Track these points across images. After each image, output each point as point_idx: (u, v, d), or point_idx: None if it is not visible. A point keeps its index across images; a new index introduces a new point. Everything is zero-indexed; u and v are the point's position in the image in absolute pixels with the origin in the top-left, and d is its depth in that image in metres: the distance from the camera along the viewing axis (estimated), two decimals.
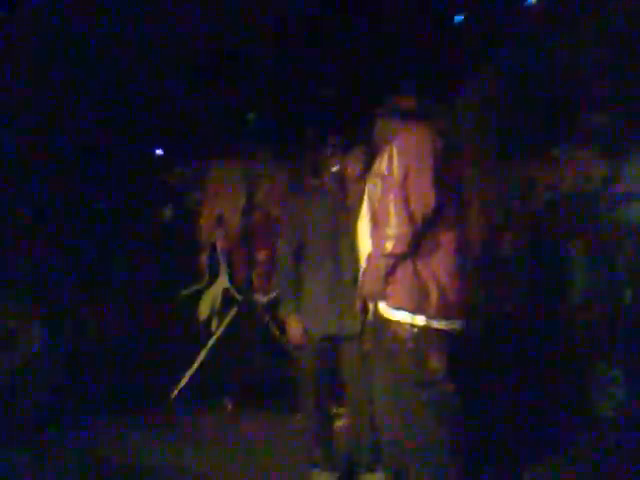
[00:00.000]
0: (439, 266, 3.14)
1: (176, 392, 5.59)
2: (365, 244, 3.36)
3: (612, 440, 4.17)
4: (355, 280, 3.50)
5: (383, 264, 3.14)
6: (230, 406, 5.51)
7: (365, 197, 3.42)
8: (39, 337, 5.29)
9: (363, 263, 3.35)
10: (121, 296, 6.25)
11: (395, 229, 3.10)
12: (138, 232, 6.48)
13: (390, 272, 3.13)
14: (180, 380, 5.64)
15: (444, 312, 3.10)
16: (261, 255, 6.37)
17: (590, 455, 4.04)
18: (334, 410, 4.23)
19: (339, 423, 4.28)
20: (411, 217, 3.08)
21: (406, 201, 3.10)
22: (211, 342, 5.81)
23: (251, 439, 4.77)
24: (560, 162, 5.27)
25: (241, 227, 6.46)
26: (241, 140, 6.13)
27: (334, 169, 3.88)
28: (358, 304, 3.44)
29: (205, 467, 4.14)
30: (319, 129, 5.86)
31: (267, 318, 6.01)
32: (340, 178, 3.85)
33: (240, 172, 6.39)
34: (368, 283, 3.24)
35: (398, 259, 3.12)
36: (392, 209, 3.12)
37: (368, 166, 3.57)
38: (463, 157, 4.63)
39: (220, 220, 6.60)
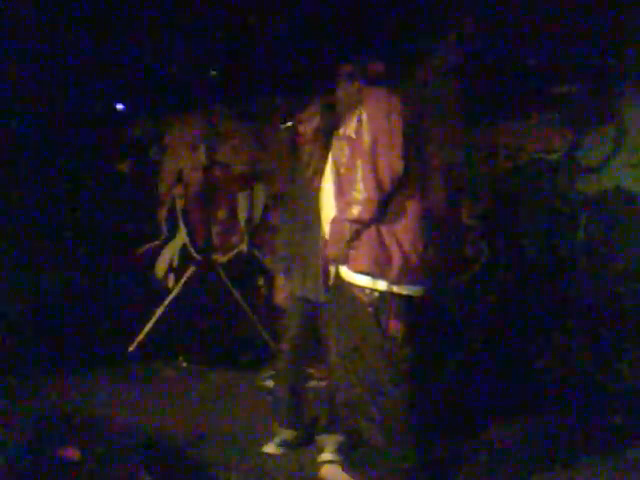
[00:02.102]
0: (403, 232, 3.14)
1: (133, 347, 5.59)
2: (329, 207, 3.34)
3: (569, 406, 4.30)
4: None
5: (348, 228, 3.13)
6: (185, 363, 5.53)
7: (329, 160, 3.38)
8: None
9: (326, 226, 3.33)
10: (80, 249, 6.17)
11: (362, 194, 3.09)
12: (97, 185, 6.37)
13: (354, 237, 3.13)
14: (137, 335, 5.63)
15: (406, 278, 3.11)
16: (221, 213, 6.34)
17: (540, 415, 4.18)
18: (308, 371, 4.26)
19: (313, 383, 4.32)
20: (379, 183, 3.08)
21: (374, 167, 3.09)
22: (168, 300, 5.80)
23: (202, 395, 4.82)
24: (523, 130, 5.31)
25: (201, 184, 6.39)
26: (203, 96, 6.03)
27: (286, 125, 3.85)
28: (321, 267, 3.45)
29: (159, 420, 4.15)
30: (278, 88, 5.82)
31: (225, 277, 6.01)
32: (293, 135, 3.85)
33: (201, 128, 6.30)
34: (331, 247, 3.23)
35: (363, 225, 3.12)
36: (359, 174, 3.10)
37: (323, 124, 3.59)
38: (429, 124, 4.65)
39: (180, 176, 6.52)
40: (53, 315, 5.68)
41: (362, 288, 3.11)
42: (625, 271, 4.74)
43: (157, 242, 6.46)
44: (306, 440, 3.86)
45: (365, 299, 3.11)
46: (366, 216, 3.09)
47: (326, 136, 3.53)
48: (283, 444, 3.80)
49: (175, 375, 5.29)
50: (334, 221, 3.24)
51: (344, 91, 3.43)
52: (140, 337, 5.62)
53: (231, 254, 6.21)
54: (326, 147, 3.47)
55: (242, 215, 6.27)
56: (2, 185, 5.76)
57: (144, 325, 5.71)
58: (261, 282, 6.07)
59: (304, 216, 3.75)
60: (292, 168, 4.07)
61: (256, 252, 6.16)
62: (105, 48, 5.62)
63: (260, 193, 6.21)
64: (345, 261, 3.17)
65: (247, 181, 6.28)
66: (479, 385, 4.51)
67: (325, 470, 3.44)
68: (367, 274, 3.10)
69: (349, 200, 3.13)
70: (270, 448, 3.79)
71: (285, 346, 3.91)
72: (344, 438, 3.56)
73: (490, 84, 5.25)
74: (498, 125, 5.43)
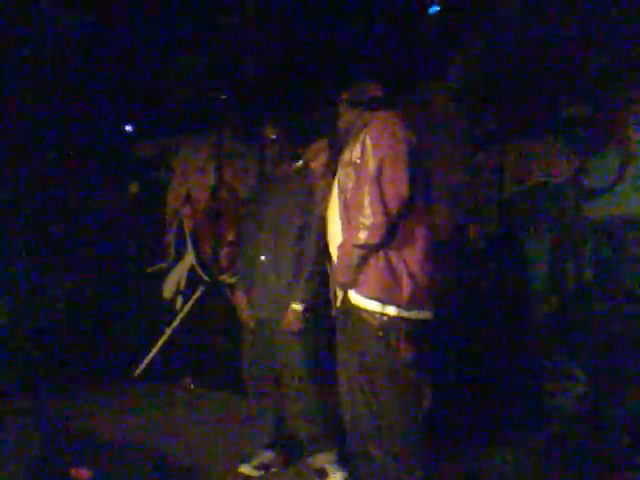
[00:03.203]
0: (411, 256, 3.16)
1: (140, 370, 5.59)
2: (336, 233, 3.36)
3: (568, 431, 4.30)
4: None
5: (356, 253, 3.15)
6: (192, 386, 5.53)
7: (335, 186, 3.40)
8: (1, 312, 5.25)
9: (334, 252, 3.36)
10: (87, 272, 6.20)
11: (369, 219, 3.10)
12: (105, 208, 6.41)
13: (362, 262, 3.15)
14: (144, 358, 5.64)
15: (415, 302, 3.13)
16: (229, 235, 6.36)
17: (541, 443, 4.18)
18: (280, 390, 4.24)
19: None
20: (385, 208, 3.09)
21: (380, 191, 3.10)
22: (176, 322, 5.81)
23: (207, 417, 4.84)
24: (529, 154, 5.33)
25: (209, 206, 6.42)
26: (211, 118, 6.08)
27: (298, 164, 3.88)
28: (332, 292, 3.46)
29: (163, 444, 4.17)
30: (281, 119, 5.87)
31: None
32: (305, 172, 3.86)
33: (209, 150, 6.34)
34: (340, 272, 3.24)
35: (371, 249, 3.14)
36: (366, 199, 3.12)
37: (332, 159, 3.61)
38: (435, 147, 4.69)
39: (188, 198, 6.56)
40: (61, 337, 5.69)
41: (371, 313, 3.14)
42: (631, 294, 4.74)
43: (165, 263, 6.48)
44: (284, 463, 3.88)
45: (374, 323, 3.13)
46: (374, 241, 3.11)
47: (334, 167, 3.54)
48: (260, 466, 3.82)
49: (183, 397, 5.29)
50: (342, 246, 3.26)
51: (346, 117, 3.46)
52: (147, 359, 5.63)
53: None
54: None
55: None
56: (10, 207, 5.80)
57: (152, 347, 5.72)
58: None
59: (270, 235, 3.77)
60: (258, 183, 4.08)
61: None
62: (114, 69, 5.69)
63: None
64: (354, 286, 3.19)
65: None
66: (478, 403, 4.52)
67: None
68: (376, 299, 3.13)
69: (356, 225, 3.15)
70: (246, 469, 3.79)
71: (247, 368, 3.89)
72: (344, 457, 3.58)
73: (496, 107, 5.28)
74: (504, 148, 5.44)
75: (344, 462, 3.59)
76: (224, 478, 3.69)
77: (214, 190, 6.33)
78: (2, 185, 5.72)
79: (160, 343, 5.73)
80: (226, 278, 6.14)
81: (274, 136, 3.83)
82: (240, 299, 3.92)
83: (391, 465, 3.11)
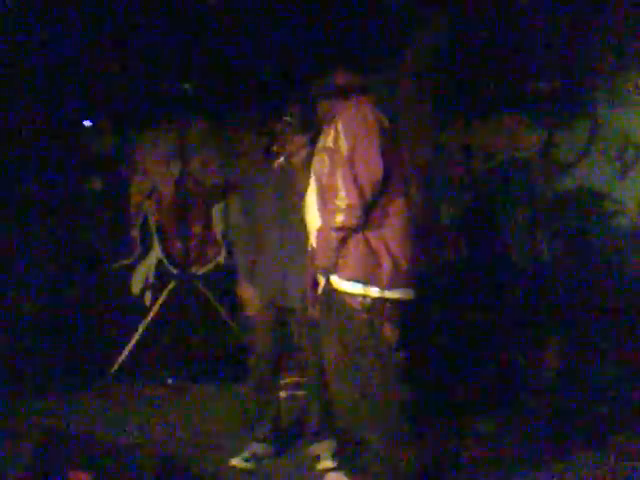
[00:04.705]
0: (389, 236, 3.15)
1: (115, 367, 5.52)
2: (314, 219, 3.34)
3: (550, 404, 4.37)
4: (301, 253, 3.53)
5: (334, 237, 3.13)
6: (170, 380, 5.47)
7: (312, 173, 3.40)
8: None
9: (313, 237, 3.34)
10: (52, 270, 6.08)
11: (344, 201, 3.10)
12: (69, 204, 6.28)
13: (341, 244, 3.13)
14: (119, 355, 5.56)
15: (397, 282, 3.12)
16: (196, 226, 6.30)
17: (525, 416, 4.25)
18: (281, 381, 4.23)
19: (284, 394, 4.30)
20: (360, 189, 3.09)
21: (354, 174, 3.10)
22: (149, 317, 5.74)
23: (191, 412, 4.79)
24: (497, 129, 5.36)
25: (174, 198, 6.35)
26: (175, 110, 5.98)
27: (279, 161, 3.88)
28: (308, 277, 3.44)
29: (147, 440, 4.13)
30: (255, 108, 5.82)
31: (204, 290, 5.96)
32: (286, 168, 3.86)
33: (173, 142, 6.26)
34: (320, 256, 3.22)
35: (349, 231, 3.12)
36: (341, 182, 3.12)
37: (312, 150, 3.58)
38: (403, 127, 4.67)
39: (152, 191, 6.48)
40: (29, 337, 5.58)
41: (354, 295, 3.11)
42: (603, 266, 4.82)
43: (130, 259, 6.40)
44: (276, 453, 3.87)
45: (358, 306, 3.11)
46: (350, 222, 3.10)
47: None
48: (252, 458, 3.78)
49: (160, 392, 5.23)
50: (320, 230, 3.24)
51: (321, 109, 3.47)
52: (122, 357, 5.55)
53: (209, 267, 6.18)
54: None
55: (218, 227, 6.25)
56: None
57: (125, 344, 5.64)
58: None
59: (270, 219, 3.79)
60: (256, 172, 4.10)
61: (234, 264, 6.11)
62: (73, 60, 5.56)
63: (235, 204, 6.18)
64: (335, 270, 3.17)
65: (221, 193, 6.26)
66: (466, 383, 4.56)
67: (330, 478, 3.44)
68: (358, 281, 3.10)
69: (332, 208, 3.14)
70: (237, 461, 3.76)
71: (254, 358, 3.90)
72: (336, 444, 3.59)
73: (463, 83, 5.29)
74: (472, 125, 5.47)
75: (339, 449, 3.58)
76: (217, 473, 3.63)
77: (179, 182, 6.25)
78: None
79: (134, 340, 5.65)
80: (196, 270, 6.08)
81: (289, 120, 3.82)
82: (247, 290, 3.90)
83: (385, 449, 3.10)
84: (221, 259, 6.15)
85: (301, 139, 3.80)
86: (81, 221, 6.48)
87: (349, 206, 3.09)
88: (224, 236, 6.18)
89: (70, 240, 6.36)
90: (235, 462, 3.75)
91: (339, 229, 3.11)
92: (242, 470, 3.71)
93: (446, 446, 3.74)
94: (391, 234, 3.16)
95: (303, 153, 3.78)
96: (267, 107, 5.08)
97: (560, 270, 4.89)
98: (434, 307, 4.64)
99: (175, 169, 6.24)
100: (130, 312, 6.19)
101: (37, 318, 5.83)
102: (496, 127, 5.25)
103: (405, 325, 3.18)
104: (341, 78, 3.42)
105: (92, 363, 5.56)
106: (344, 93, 3.35)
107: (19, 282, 5.90)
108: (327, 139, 3.25)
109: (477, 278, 5.02)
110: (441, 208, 5.19)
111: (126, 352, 5.58)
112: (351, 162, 3.11)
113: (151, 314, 5.75)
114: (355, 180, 3.09)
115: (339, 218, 3.10)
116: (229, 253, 6.09)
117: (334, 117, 3.26)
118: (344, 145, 3.14)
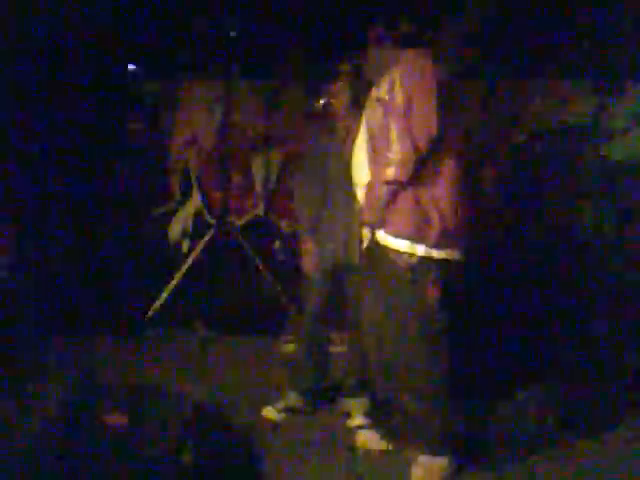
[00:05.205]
0: (440, 195, 3.07)
1: (151, 314, 5.54)
2: (363, 171, 3.27)
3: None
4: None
5: (384, 191, 3.07)
6: (203, 330, 5.47)
7: (363, 123, 3.32)
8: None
9: (361, 190, 3.27)
10: (92, 216, 6.08)
11: (397, 155, 3.02)
12: (108, 151, 6.24)
13: (391, 199, 3.06)
14: (154, 302, 5.57)
15: (444, 241, 3.04)
16: (236, 177, 6.24)
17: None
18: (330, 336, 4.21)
19: (333, 349, 4.29)
20: (414, 143, 3.00)
21: (409, 127, 3.01)
22: (186, 265, 5.73)
23: (224, 362, 4.78)
24: (546, 94, 5.21)
25: (215, 147, 6.28)
26: (218, 56, 5.88)
27: (321, 102, 3.83)
28: (356, 232, 3.38)
29: (180, 386, 4.05)
30: (301, 53, 5.71)
31: (242, 240, 5.92)
32: (327, 112, 3.80)
33: (216, 89, 6.17)
34: (368, 210, 3.17)
35: (399, 186, 3.04)
36: (394, 135, 3.04)
37: (354, 97, 3.56)
38: (463, 86, 4.55)
39: (194, 139, 6.42)
40: (67, 284, 5.60)
41: (400, 253, 3.04)
42: None
43: (171, 206, 6.37)
44: (310, 407, 3.86)
45: (403, 264, 3.04)
46: (402, 176, 3.02)
47: (359, 108, 3.47)
48: (284, 410, 3.79)
49: (196, 342, 5.23)
50: (369, 185, 3.19)
51: (374, 55, 3.34)
52: (157, 303, 5.56)
53: (247, 218, 6.13)
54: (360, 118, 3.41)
55: (258, 178, 6.18)
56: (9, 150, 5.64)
57: (161, 292, 5.65)
58: (277, 246, 6.00)
59: (330, 179, 3.73)
60: (315, 130, 4.03)
61: (272, 216, 6.07)
62: (117, 7, 5.49)
63: (276, 156, 6.11)
64: (382, 225, 3.10)
65: (263, 144, 6.18)
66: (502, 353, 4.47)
67: (362, 436, 3.42)
68: (405, 238, 3.04)
69: (384, 162, 3.07)
70: (270, 411, 3.77)
71: (309, 311, 3.88)
72: (371, 402, 3.56)
73: (513, 48, 5.14)
74: (520, 89, 5.32)
75: (373, 408, 3.55)
76: (248, 422, 3.62)
77: (221, 131, 6.18)
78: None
79: (170, 288, 5.65)
80: (235, 220, 6.04)
81: (349, 69, 3.73)
82: (311, 249, 3.85)
83: (421, 412, 3.06)
84: (260, 211, 6.10)
85: (341, 84, 3.71)
86: (121, 168, 6.45)
87: (402, 160, 3.01)
88: (263, 188, 6.11)
89: (110, 187, 6.34)
90: (268, 412, 3.76)
91: (390, 183, 3.04)
92: (273, 421, 3.72)
93: (481, 420, 3.66)
94: (442, 193, 3.08)
95: (344, 96, 3.70)
96: (318, 57, 4.98)
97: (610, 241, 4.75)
98: (485, 272, 4.52)
99: (218, 117, 6.16)
100: (167, 260, 6.18)
101: (74, 262, 5.84)
102: (547, 92, 5.10)
103: (451, 286, 3.11)
104: (405, 26, 3.31)
105: (128, 308, 5.58)
106: (405, 43, 3.24)
107: (59, 225, 5.92)
108: (381, 90, 3.15)
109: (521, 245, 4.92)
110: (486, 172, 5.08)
111: (162, 299, 5.58)
112: (406, 115, 3.01)
113: (188, 262, 5.74)
114: (410, 134, 3.00)
115: (390, 172, 3.03)
116: (267, 205, 6.05)
117: (389, 68, 3.16)
118: (400, 97, 3.04)
